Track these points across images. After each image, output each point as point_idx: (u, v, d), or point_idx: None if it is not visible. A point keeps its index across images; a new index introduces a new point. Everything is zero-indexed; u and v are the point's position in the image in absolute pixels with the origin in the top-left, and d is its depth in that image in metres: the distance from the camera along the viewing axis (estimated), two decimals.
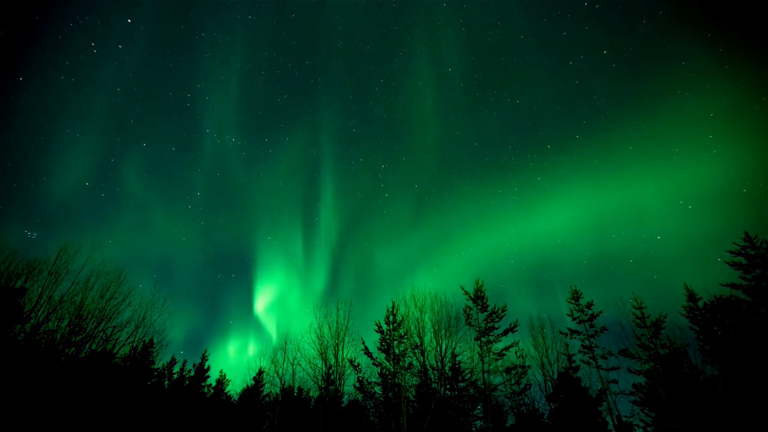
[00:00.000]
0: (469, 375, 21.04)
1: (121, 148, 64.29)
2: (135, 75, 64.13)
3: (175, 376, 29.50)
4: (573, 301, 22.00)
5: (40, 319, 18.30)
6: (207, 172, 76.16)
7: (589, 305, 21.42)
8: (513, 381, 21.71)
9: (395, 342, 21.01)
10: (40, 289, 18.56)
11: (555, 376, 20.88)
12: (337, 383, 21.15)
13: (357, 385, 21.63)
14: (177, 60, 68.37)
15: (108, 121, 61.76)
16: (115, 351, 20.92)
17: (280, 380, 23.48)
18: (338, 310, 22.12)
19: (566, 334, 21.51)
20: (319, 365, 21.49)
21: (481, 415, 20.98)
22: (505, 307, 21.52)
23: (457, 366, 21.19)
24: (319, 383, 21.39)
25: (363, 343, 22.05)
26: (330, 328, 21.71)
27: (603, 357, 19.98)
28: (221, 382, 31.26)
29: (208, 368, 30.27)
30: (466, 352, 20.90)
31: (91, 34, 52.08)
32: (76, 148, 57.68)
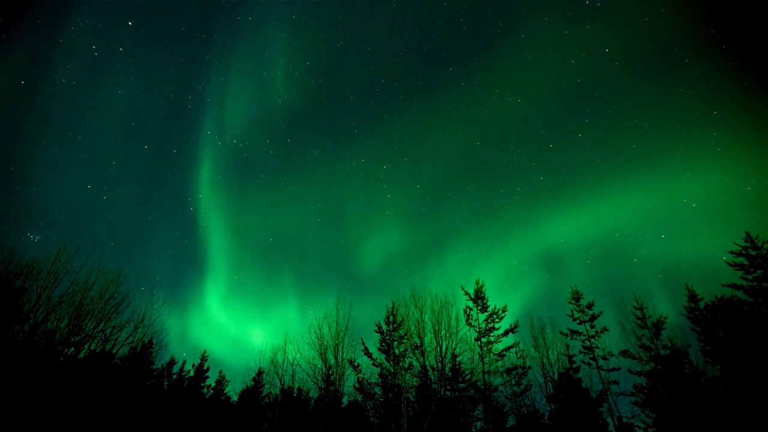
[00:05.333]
0: (469, 376, 20.97)
1: (122, 150, 64.35)
2: (136, 77, 64.22)
3: (174, 376, 29.42)
4: (573, 301, 21.92)
5: (39, 319, 18.26)
6: (208, 174, 76.15)
7: (589, 306, 21.35)
8: (513, 382, 21.64)
9: (395, 342, 20.95)
10: (39, 290, 18.53)
11: (555, 377, 20.80)
12: (337, 384, 21.08)
13: (357, 385, 21.56)
14: (178, 62, 68.47)
15: (109, 123, 61.82)
16: (114, 351, 20.89)
17: (280, 381, 23.40)
18: (338, 311, 22.06)
19: (567, 335, 21.44)
20: (319, 366, 21.43)
21: (482, 416, 20.91)
22: (506, 307, 21.49)
23: (457, 367, 21.12)
24: (319, 384, 21.32)
25: (363, 343, 22.01)
26: (330, 328, 21.66)
27: (604, 358, 19.92)
28: (220, 382, 31.18)
29: (208, 369, 30.18)
30: (467, 353, 20.85)
31: (92, 37, 52.16)
32: (78, 151, 57.74)
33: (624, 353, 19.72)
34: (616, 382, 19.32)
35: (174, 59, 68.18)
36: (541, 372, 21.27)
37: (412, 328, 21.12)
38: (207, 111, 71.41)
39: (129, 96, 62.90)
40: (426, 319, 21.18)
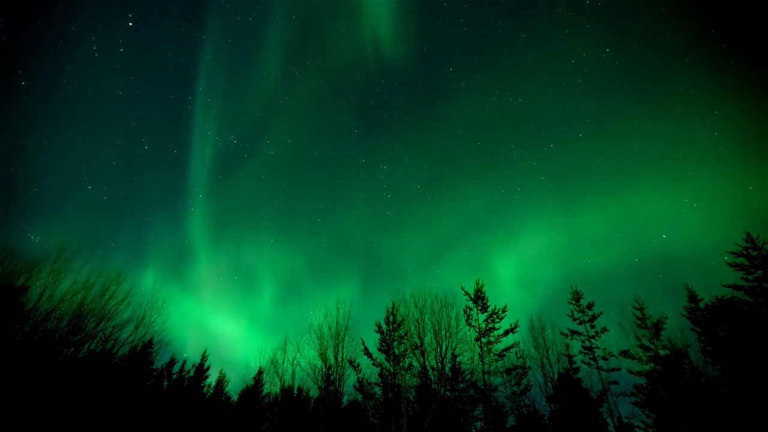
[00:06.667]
0: (469, 376, 20.96)
1: (122, 150, 64.45)
2: (136, 77, 64.31)
3: (174, 376, 29.44)
4: (573, 301, 21.92)
5: (40, 319, 18.28)
6: (209, 173, 76.22)
7: (589, 306, 21.35)
8: (513, 382, 21.63)
9: (395, 342, 20.94)
10: (40, 289, 18.56)
11: (555, 377, 20.79)
12: (337, 384, 21.07)
13: (357, 385, 21.55)
14: (178, 62, 68.54)
15: (110, 123, 61.91)
16: (114, 351, 20.90)
17: (280, 380, 23.41)
18: (338, 310, 22.08)
19: (567, 335, 21.45)
20: (319, 365, 21.44)
21: (482, 416, 20.89)
22: (506, 307, 21.46)
23: (457, 367, 21.11)
24: (319, 383, 21.32)
25: (363, 343, 22.01)
26: (330, 328, 21.66)
27: (604, 358, 19.91)
28: (221, 382, 31.23)
29: (208, 368, 30.23)
30: (467, 353, 20.83)
31: (93, 37, 52.21)
32: (79, 151, 57.82)
33: (624, 353, 19.72)
34: (616, 383, 19.32)
35: (174, 59, 68.29)
36: (541, 372, 21.29)
37: (412, 328, 21.13)
38: (207, 111, 71.49)
39: (129, 96, 63.03)
40: (426, 319, 21.21)
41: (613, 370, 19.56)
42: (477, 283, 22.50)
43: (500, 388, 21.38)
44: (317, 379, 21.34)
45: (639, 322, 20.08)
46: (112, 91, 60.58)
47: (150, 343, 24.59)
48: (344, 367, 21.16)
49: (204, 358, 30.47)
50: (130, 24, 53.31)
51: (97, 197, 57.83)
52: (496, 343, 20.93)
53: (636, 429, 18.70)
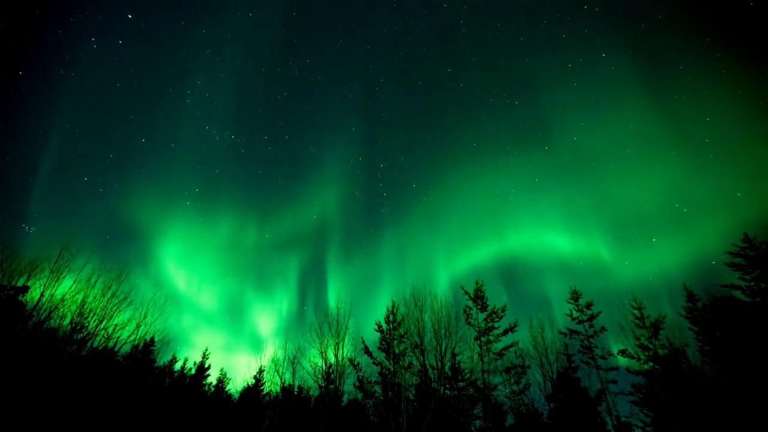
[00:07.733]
0: (468, 375, 21.08)
1: (120, 144, 64.29)
2: (135, 71, 64.21)
3: (176, 374, 29.55)
4: (572, 301, 22.05)
5: (42, 317, 18.39)
6: (206, 169, 76.06)
7: (588, 305, 21.47)
8: (512, 381, 21.74)
9: (395, 341, 21.07)
10: (41, 288, 18.66)
11: (554, 376, 20.91)
12: (337, 382, 21.21)
13: (357, 384, 21.69)
14: (177, 56, 68.30)
15: (107, 116, 61.82)
16: (116, 349, 21.02)
17: (280, 379, 23.55)
18: (338, 309, 22.21)
19: (566, 334, 21.57)
20: (320, 364, 21.59)
21: (481, 414, 21.02)
22: (505, 307, 21.58)
23: (456, 366, 21.23)
24: (319, 382, 21.47)
25: (363, 342, 22.15)
26: (330, 326, 21.80)
27: (602, 357, 20.03)
28: (222, 380, 31.35)
29: (209, 367, 30.34)
30: (466, 352, 20.95)
31: (91, 30, 52.10)
32: (76, 144, 57.62)
33: (622, 353, 19.86)
34: (614, 382, 19.47)
35: (173, 53, 67.90)
36: (540, 371, 21.41)
37: (412, 327, 21.24)
38: (205, 106, 71.17)
39: (127, 89, 62.72)
40: (426, 319, 21.32)
41: (612, 369, 19.71)
42: (477, 283, 22.63)
43: (499, 386, 21.51)
44: (317, 378, 21.50)
45: (638, 321, 20.20)
46: (110, 84, 60.26)
47: (152, 341, 24.74)
48: (344, 366, 21.30)
49: (205, 357, 30.60)
50: (129, 17, 53.22)
51: (94, 191, 57.28)
52: (495, 342, 21.05)
53: (634, 428, 18.85)
